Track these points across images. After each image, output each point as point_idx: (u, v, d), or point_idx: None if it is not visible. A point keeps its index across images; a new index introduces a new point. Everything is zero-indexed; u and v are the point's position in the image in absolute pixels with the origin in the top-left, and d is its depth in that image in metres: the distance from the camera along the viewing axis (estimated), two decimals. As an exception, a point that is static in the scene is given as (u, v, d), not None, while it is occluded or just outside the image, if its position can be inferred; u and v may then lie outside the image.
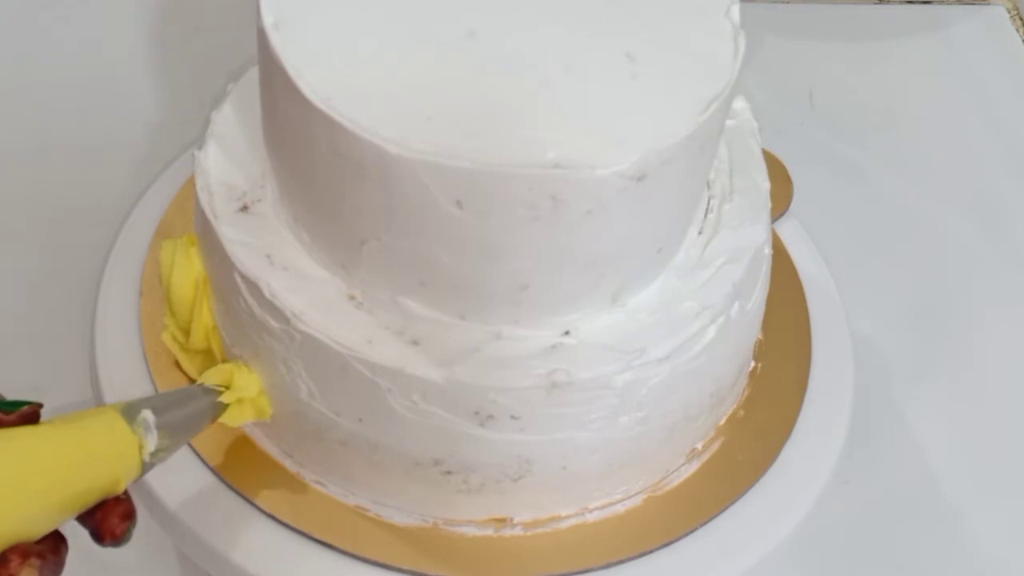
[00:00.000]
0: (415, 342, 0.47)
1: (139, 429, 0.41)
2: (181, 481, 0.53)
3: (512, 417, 0.47)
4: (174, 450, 0.44)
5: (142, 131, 0.78)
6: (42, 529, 0.37)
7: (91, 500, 0.39)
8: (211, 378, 0.50)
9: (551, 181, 0.42)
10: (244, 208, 0.50)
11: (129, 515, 0.40)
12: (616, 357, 0.47)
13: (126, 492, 0.41)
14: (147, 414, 0.42)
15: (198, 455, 0.53)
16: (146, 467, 0.42)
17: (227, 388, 0.50)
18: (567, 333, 0.48)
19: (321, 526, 0.52)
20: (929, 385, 0.70)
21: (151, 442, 0.42)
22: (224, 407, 0.49)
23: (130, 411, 0.41)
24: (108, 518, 0.40)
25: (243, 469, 0.53)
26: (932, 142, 0.85)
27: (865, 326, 0.68)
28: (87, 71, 0.82)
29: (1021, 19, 0.96)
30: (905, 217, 0.80)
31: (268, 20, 0.45)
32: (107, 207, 0.68)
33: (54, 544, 0.38)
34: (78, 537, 0.40)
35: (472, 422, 0.47)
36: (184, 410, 0.46)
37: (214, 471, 0.53)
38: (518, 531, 0.52)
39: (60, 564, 0.38)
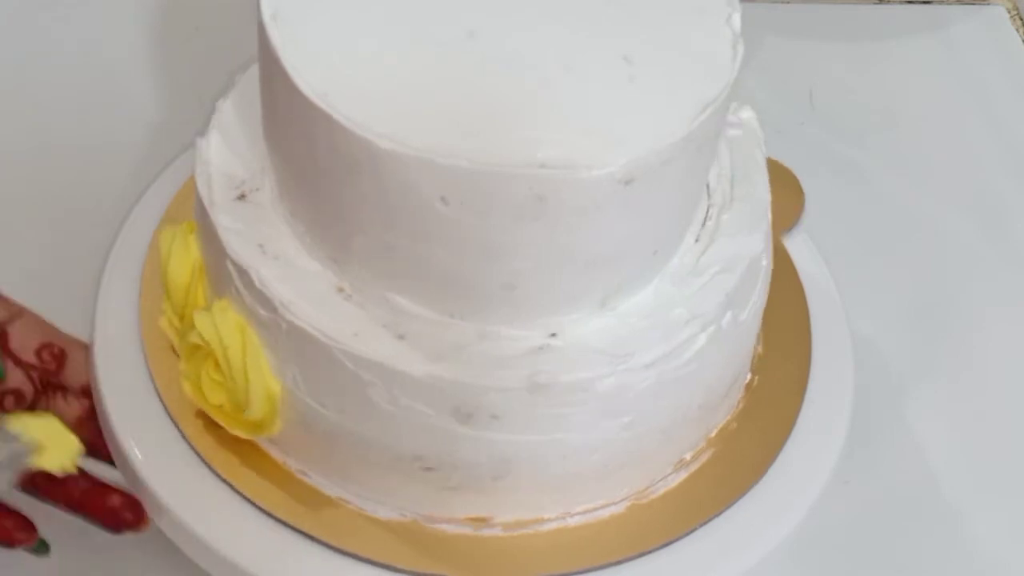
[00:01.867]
0: (401, 337, 0.47)
1: None
2: (175, 475, 0.53)
3: (492, 416, 0.47)
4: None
5: (142, 131, 0.78)
6: None
7: None
8: (15, 425, 0.50)
9: (542, 181, 0.42)
10: (241, 197, 0.50)
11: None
12: (602, 361, 0.47)
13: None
14: None
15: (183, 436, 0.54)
16: None
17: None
18: (554, 335, 0.47)
19: (303, 517, 0.52)
20: (929, 385, 0.70)
21: None
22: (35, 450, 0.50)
23: None
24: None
25: (228, 456, 0.53)
26: (932, 142, 0.85)
27: (865, 326, 0.68)
28: (87, 71, 0.82)
29: (1021, 19, 0.96)
30: (905, 217, 0.80)
31: (267, 15, 0.46)
32: (107, 207, 0.68)
33: None
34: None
35: (453, 420, 0.47)
36: None
37: (200, 456, 0.53)
38: (497, 531, 0.52)
39: None
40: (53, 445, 0.50)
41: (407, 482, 0.50)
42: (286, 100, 0.45)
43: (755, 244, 0.52)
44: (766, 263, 0.54)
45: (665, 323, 0.49)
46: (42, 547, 0.51)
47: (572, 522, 0.52)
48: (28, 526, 0.49)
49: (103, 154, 0.76)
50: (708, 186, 0.53)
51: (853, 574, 0.63)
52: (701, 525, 0.53)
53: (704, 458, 0.55)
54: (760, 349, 0.59)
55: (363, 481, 0.51)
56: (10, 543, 0.49)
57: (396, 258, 0.46)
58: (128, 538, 0.55)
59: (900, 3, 0.96)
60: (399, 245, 0.45)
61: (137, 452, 0.53)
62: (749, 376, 0.58)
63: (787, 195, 0.55)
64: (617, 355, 0.47)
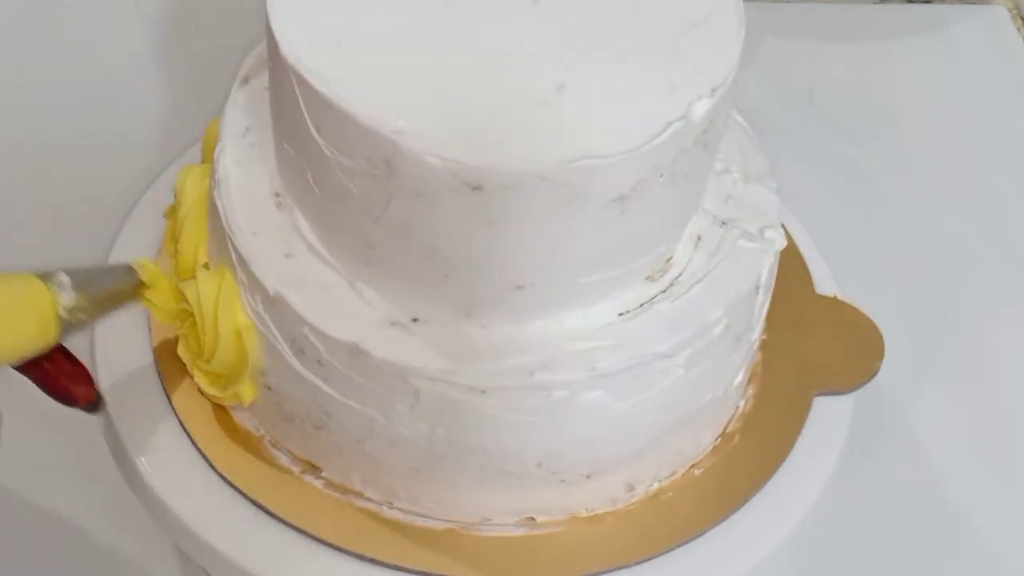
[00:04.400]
0: (412, 334, 0.47)
1: (53, 287, 0.44)
2: (177, 475, 0.53)
3: (488, 414, 0.47)
4: (96, 315, 0.46)
5: (142, 131, 0.78)
6: None
7: (9, 354, 0.42)
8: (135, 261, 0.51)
9: (548, 182, 0.42)
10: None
11: (77, 378, 0.46)
12: (604, 361, 0.47)
13: (73, 357, 0.46)
14: (62, 275, 0.44)
15: (188, 435, 0.54)
16: (65, 325, 0.44)
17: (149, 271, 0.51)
18: (558, 334, 0.48)
19: (306, 518, 0.52)
20: (929, 385, 0.70)
21: (66, 298, 0.44)
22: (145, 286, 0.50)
23: (45, 274, 0.44)
24: (57, 379, 0.46)
25: (236, 458, 0.53)
26: (932, 142, 0.85)
27: (865, 326, 0.68)
28: (87, 71, 0.82)
29: (1021, 19, 0.96)
30: (905, 217, 0.80)
31: (273, 6, 0.46)
32: (107, 208, 0.68)
33: None
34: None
35: (459, 417, 0.47)
36: (104, 277, 0.48)
37: (206, 457, 0.53)
38: (509, 531, 0.52)
39: None
40: (159, 288, 0.51)
41: (414, 480, 0.50)
42: (293, 96, 0.45)
43: (760, 260, 0.52)
44: (767, 277, 0.53)
45: (665, 326, 0.49)
46: (100, 401, 0.49)
47: (573, 525, 0.52)
48: (89, 379, 0.47)
49: (103, 154, 0.76)
50: (706, 185, 0.53)
51: (853, 575, 0.63)
52: (706, 529, 0.53)
53: (709, 462, 0.55)
54: (762, 351, 0.59)
55: (371, 480, 0.52)
56: (71, 399, 0.47)
57: (409, 254, 0.46)
58: (127, 538, 0.54)
59: (900, 3, 0.96)
60: (404, 240, 0.46)
61: (144, 458, 0.53)
62: (751, 378, 0.58)
63: (858, 345, 0.58)
64: (619, 356, 0.47)
